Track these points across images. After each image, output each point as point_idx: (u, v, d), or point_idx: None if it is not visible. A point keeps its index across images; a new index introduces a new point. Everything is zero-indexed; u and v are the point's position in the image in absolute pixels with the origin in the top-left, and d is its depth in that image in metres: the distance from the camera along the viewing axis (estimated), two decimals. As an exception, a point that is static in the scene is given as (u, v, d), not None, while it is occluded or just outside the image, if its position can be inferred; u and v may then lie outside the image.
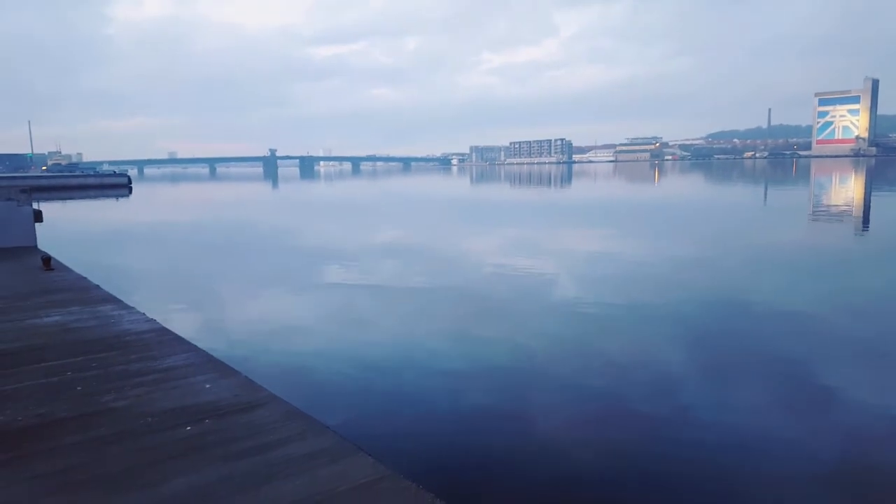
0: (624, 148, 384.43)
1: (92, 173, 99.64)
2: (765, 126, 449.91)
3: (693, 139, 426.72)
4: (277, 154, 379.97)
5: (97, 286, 10.51)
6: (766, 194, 52.27)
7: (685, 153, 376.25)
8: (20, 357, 6.48)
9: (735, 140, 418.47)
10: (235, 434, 4.52)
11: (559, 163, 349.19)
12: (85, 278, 11.28)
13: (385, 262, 18.86)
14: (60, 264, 12.70)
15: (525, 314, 11.99)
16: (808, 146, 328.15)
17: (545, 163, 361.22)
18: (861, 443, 6.37)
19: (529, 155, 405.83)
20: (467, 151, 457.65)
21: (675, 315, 11.63)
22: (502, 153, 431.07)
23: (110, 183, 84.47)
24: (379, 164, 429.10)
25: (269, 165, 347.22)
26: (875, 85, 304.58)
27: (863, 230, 25.23)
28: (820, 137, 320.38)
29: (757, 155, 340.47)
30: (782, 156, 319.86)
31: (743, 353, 9.40)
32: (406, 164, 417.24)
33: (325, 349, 10.06)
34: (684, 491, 5.56)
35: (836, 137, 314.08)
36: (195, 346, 6.85)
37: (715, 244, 21.20)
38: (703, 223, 29.49)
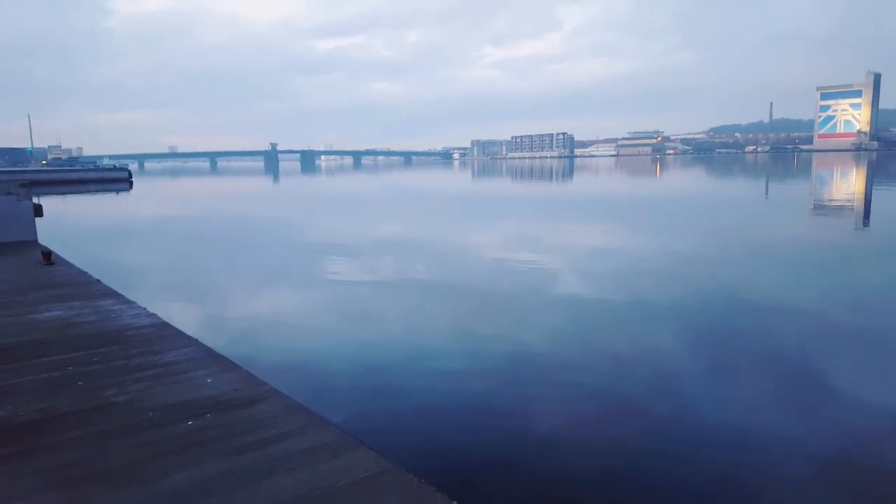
0: (626, 142, 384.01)
1: (92, 167, 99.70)
2: (767, 120, 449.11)
3: (695, 133, 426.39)
4: (278, 148, 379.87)
5: (98, 281, 10.52)
6: (767, 188, 52.19)
7: (687, 147, 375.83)
8: (21, 352, 6.48)
9: (737, 134, 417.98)
10: (236, 428, 4.53)
11: (561, 157, 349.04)
12: (85, 273, 11.28)
13: (387, 256, 18.85)
14: (61, 259, 12.70)
15: (527, 309, 11.99)
16: (809, 140, 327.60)
17: (547, 157, 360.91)
18: (862, 438, 6.37)
19: (531, 149, 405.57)
20: (469, 146, 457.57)
21: (678, 309, 11.62)
22: (504, 147, 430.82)
23: (111, 177, 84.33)
24: (380, 158, 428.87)
25: (270, 160, 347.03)
26: (877, 79, 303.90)
27: (864, 225, 25.19)
28: (822, 131, 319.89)
29: (758, 149, 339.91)
30: (784, 150, 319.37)
31: (745, 348, 9.39)
32: (407, 158, 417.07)
33: (326, 343, 10.06)
34: (685, 484, 5.56)
35: (837, 131, 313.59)
36: (196, 340, 6.85)
37: (716, 239, 21.17)
38: (705, 218, 29.46)
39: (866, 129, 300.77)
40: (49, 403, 5.07)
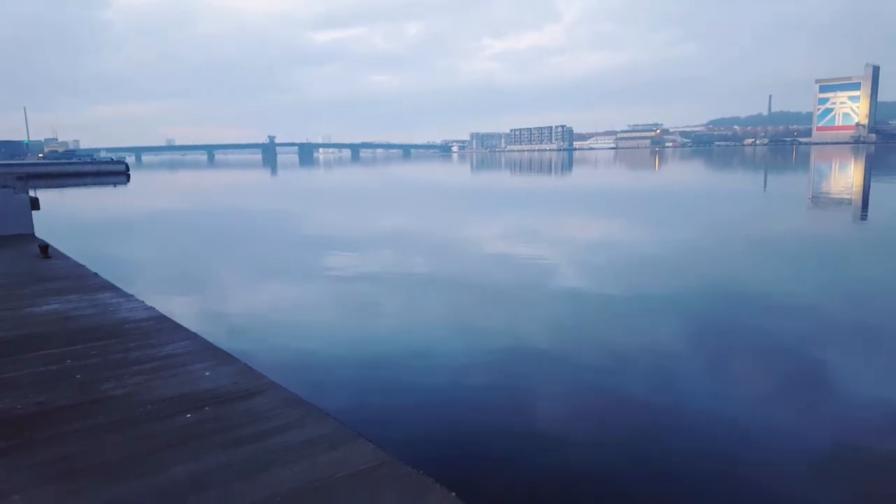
0: (625, 135, 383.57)
1: (89, 160, 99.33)
2: (765, 113, 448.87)
3: (694, 126, 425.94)
4: (276, 141, 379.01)
5: (95, 274, 10.50)
6: (765, 182, 52.20)
7: (686, 140, 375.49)
8: (19, 345, 6.48)
9: (736, 127, 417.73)
10: (235, 421, 4.53)
11: (560, 150, 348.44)
12: (83, 266, 11.27)
13: (385, 249, 18.84)
14: (58, 252, 12.68)
15: (526, 301, 11.99)
16: (808, 133, 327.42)
17: (546, 150, 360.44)
18: (860, 429, 6.39)
19: (530, 142, 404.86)
20: (468, 138, 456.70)
21: (678, 303, 11.63)
22: (503, 140, 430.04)
23: (108, 170, 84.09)
24: (378, 151, 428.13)
25: (268, 152, 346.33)
26: (876, 72, 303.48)
27: (861, 218, 25.21)
28: (820, 124, 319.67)
29: (757, 142, 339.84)
30: (782, 142, 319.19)
31: (744, 340, 9.41)
32: (406, 151, 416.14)
33: (325, 336, 10.06)
34: (684, 476, 5.58)
35: (836, 124, 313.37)
36: (194, 333, 6.84)
37: (714, 232, 21.18)
38: (703, 211, 29.46)
39: (865, 121, 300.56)
40: (47, 397, 5.06)
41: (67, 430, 4.46)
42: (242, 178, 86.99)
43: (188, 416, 4.64)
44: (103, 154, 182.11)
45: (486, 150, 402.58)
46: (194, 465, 3.88)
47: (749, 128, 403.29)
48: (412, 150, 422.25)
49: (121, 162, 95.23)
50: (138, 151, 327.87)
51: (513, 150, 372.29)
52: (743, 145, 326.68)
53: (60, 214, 31.52)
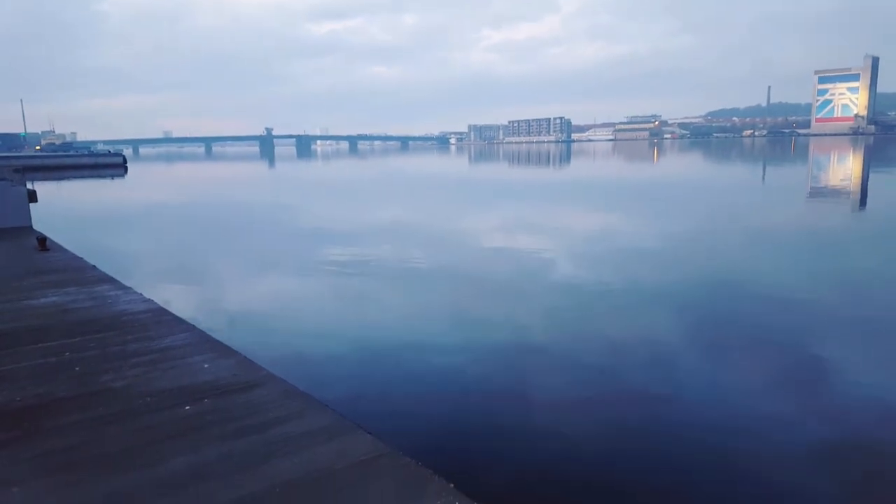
0: (623, 126, 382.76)
1: (86, 153, 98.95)
2: (764, 104, 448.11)
3: (692, 117, 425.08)
4: (274, 133, 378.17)
5: (93, 266, 10.49)
6: (764, 173, 52.18)
7: (684, 132, 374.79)
8: (18, 337, 6.48)
9: (734, 118, 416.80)
10: (234, 413, 4.53)
11: (558, 142, 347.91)
12: (81, 259, 11.26)
13: (383, 241, 18.82)
14: (56, 245, 12.67)
15: (524, 293, 12.00)
16: (807, 124, 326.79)
17: (544, 142, 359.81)
18: (857, 418, 6.41)
19: (528, 134, 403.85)
20: (465, 130, 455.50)
21: (676, 294, 11.64)
22: (501, 132, 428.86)
23: (105, 163, 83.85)
24: (376, 143, 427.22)
25: (266, 145, 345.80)
26: (875, 63, 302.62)
27: (859, 209, 25.22)
28: (819, 115, 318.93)
29: (756, 133, 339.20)
30: (781, 134, 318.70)
31: (742, 330, 9.42)
32: (404, 143, 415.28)
33: (324, 328, 10.07)
34: (682, 468, 5.60)
35: (835, 115, 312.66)
36: (193, 326, 6.85)
37: (713, 223, 21.18)
38: (702, 203, 29.44)
39: (864, 113, 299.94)
40: (46, 389, 5.07)
41: (67, 422, 4.46)
42: (240, 171, 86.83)
43: (187, 408, 4.65)
44: (100, 146, 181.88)
45: (484, 142, 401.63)
46: (194, 457, 3.89)
47: (748, 119, 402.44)
48: (410, 142, 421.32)
49: (118, 154, 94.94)
50: (135, 144, 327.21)
51: (511, 142, 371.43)
52: (741, 137, 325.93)
53: (58, 207, 31.45)
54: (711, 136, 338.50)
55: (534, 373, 7.94)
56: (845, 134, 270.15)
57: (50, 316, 7.33)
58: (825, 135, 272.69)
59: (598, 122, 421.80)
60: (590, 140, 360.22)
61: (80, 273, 9.92)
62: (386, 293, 12.28)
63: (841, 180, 40.22)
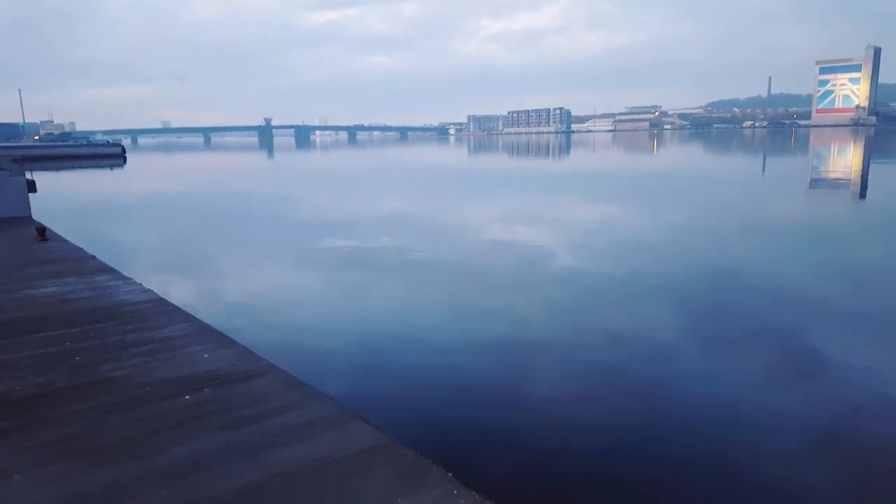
0: (623, 117, 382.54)
1: (85, 143, 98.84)
2: (765, 95, 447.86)
3: (692, 108, 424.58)
4: (272, 123, 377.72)
5: (93, 256, 10.50)
6: (764, 164, 52.12)
7: (684, 122, 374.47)
8: (18, 327, 6.49)
9: (735, 109, 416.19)
10: (234, 403, 4.55)
11: (557, 132, 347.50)
12: (80, 249, 11.26)
13: (384, 232, 18.81)
14: (55, 235, 12.67)
15: (524, 283, 12.00)
16: (807, 115, 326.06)
17: (543, 132, 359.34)
18: (859, 411, 6.43)
19: (528, 124, 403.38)
20: (465, 121, 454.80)
21: (678, 285, 11.64)
22: (500, 122, 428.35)
23: (104, 153, 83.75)
24: (375, 133, 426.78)
25: (265, 135, 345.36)
26: (877, 53, 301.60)
27: (859, 200, 25.21)
28: (820, 106, 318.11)
29: (756, 124, 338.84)
30: (781, 125, 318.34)
31: (743, 321, 9.43)
32: (403, 133, 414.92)
33: (324, 319, 10.07)
34: (680, 459, 5.61)
35: (836, 106, 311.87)
36: (192, 316, 6.86)
37: (712, 214, 21.16)
38: (701, 194, 29.41)
39: (865, 104, 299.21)
40: (46, 378, 5.08)
41: (67, 411, 4.48)
42: (239, 161, 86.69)
43: (187, 397, 4.66)
44: (99, 136, 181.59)
45: (483, 133, 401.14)
46: (194, 446, 3.91)
47: (748, 110, 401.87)
48: (409, 133, 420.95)
49: (117, 144, 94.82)
50: (134, 134, 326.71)
51: (510, 133, 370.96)
52: (742, 128, 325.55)
53: (57, 197, 31.40)
54: (711, 127, 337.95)
55: (534, 364, 7.95)
56: (846, 125, 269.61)
57: (50, 306, 7.34)
58: (826, 126, 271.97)
59: (598, 112, 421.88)
60: (589, 131, 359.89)
61: (80, 263, 9.93)
62: (386, 284, 12.29)
63: (841, 172, 40.18)
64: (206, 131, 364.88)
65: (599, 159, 67.64)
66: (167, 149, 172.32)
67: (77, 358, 5.53)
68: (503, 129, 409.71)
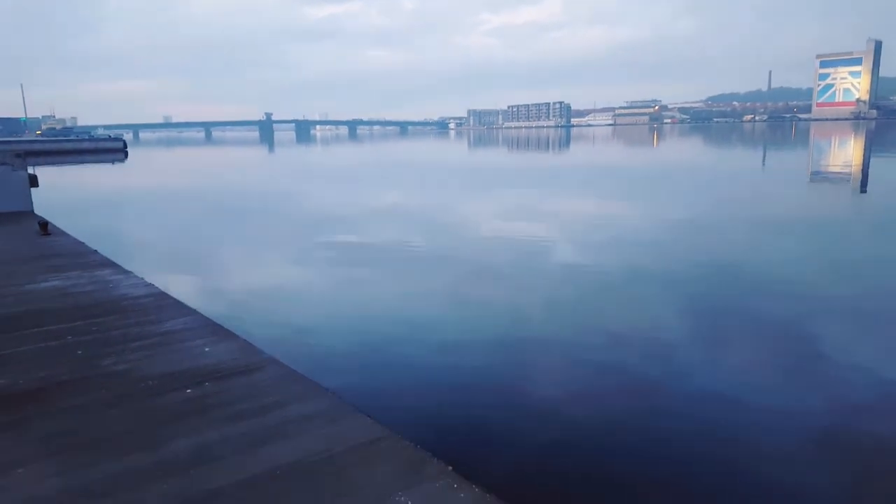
0: (623, 111, 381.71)
1: (87, 137, 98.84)
2: (765, 89, 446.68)
3: (692, 102, 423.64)
4: (273, 118, 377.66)
5: (95, 251, 10.52)
6: (764, 158, 52.06)
7: (684, 116, 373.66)
8: (20, 321, 6.51)
9: (735, 103, 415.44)
10: (235, 396, 4.57)
11: (557, 127, 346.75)
12: (82, 243, 11.29)
13: (385, 227, 18.82)
14: (57, 229, 12.70)
15: (525, 278, 12.02)
16: (808, 109, 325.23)
17: (543, 127, 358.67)
18: (866, 410, 6.45)
19: (528, 119, 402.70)
20: (465, 115, 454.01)
21: (678, 280, 11.66)
22: (500, 117, 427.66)
23: (106, 147, 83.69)
24: (375, 128, 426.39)
25: (265, 130, 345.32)
26: (878, 46, 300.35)
27: (860, 193, 25.19)
28: (820, 100, 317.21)
29: (756, 118, 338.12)
30: (782, 119, 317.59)
31: (743, 315, 9.45)
32: (403, 128, 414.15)
33: (325, 313, 10.10)
34: (681, 454, 5.64)
35: (836, 100, 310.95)
36: (194, 310, 6.88)
37: (713, 208, 21.16)
38: (702, 187, 29.40)
39: (866, 97, 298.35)
40: (49, 372, 5.11)
41: (69, 405, 4.50)
42: (240, 156, 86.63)
43: (188, 391, 4.69)
44: (101, 131, 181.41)
45: (483, 127, 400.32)
46: (195, 440, 3.93)
47: (748, 104, 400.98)
48: (409, 127, 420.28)
49: (118, 139, 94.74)
50: (136, 128, 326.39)
51: (510, 127, 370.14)
52: (742, 122, 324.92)
53: (59, 191, 31.42)
54: (711, 121, 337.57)
55: (536, 359, 7.97)
56: (847, 119, 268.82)
57: (52, 300, 7.37)
58: (826, 120, 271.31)
59: (598, 106, 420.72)
60: (589, 125, 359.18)
61: (82, 257, 9.95)
62: (388, 279, 12.30)
63: (842, 165, 40.14)
64: (207, 126, 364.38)
65: (599, 153, 67.59)
66: (168, 143, 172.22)
67: (79, 351, 5.56)
68: (503, 124, 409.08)
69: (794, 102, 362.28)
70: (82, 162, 62.08)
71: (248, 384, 4.78)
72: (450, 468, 3.59)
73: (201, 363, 5.23)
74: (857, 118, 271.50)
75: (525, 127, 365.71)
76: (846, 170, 36.41)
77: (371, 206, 24.35)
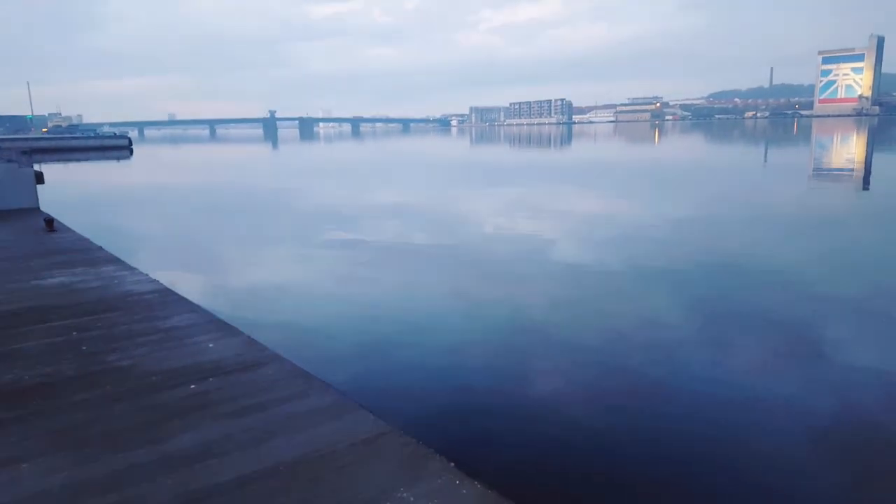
0: (624, 108, 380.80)
1: (92, 135, 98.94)
2: (767, 85, 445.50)
3: (694, 99, 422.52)
4: (277, 115, 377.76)
5: (100, 247, 10.57)
6: (765, 155, 51.96)
7: (686, 113, 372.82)
8: (26, 317, 6.56)
9: (736, 99, 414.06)
10: (238, 392, 4.61)
11: (559, 123, 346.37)
12: (88, 240, 11.33)
13: (388, 223, 18.83)
14: (63, 226, 12.75)
15: (527, 275, 12.03)
16: (810, 105, 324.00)
17: (545, 123, 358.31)
18: (856, 399, 6.46)
19: (529, 116, 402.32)
20: (467, 112, 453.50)
21: (680, 276, 11.66)
22: (502, 114, 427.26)
23: (111, 145, 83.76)
24: (378, 125, 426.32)
25: (269, 127, 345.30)
26: (880, 42, 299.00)
27: (862, 190, 25.15)
28: (822, 97, 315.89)
29: (758, 115, 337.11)
30: (783, 115, 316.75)
31: (744, 311, 9.46)
32: (405, 125, 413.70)
33: (329, 309, 10.12)
34: (682, 451, 5.66)
35: (838, 96, 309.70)
36: (198, 306, 6.92)
37: (715, 205, 21.14)
38: (703, 184, 29.37)
39: (868, 93, 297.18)
40: (54, 367, 5.15)
41: (74, 400, 4.54)
42: (245, 153, 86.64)
43: (192, 386, 4.72)
44: (106, 128, 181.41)
45: (485, 124, 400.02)
46: (199, 435, 3.97)
47: (750, 100, 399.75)
48: (411, 125, 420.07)
49: (124, 136, 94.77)
50: (141, 126, 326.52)
51: (512, 124, 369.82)
52: (743, 118, 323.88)
53: (65, 188, 31.48)
54: (713, 118, 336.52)
55: (539, 357, 7.99)
56: (849, 115, 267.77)
57: (57, 296, 7.41)
58: (828, 116, 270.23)
59: (600, 103, 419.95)
60: (591, 122, 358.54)
61: (87, 254, 10.00)
62: (392, 275, 12.32)
63: (844, 161, 40.04)
64: (211, 123, 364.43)
65: (600, 150, 67.50)
66: (173, 141, 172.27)
67: (84, 347, 5.60)
68: (505, 121, 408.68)
69: (796, 99, 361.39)
70: (88, 159, 62.15)
71: (251, 380, 4.82)
72: (452, 464, 3.62)
73: (205, 359, 5.27)
74: (859, 114, 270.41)
75: (527, 124, 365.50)
76: (848, 166, 36.32)
77: (375, 202, 24.36)
